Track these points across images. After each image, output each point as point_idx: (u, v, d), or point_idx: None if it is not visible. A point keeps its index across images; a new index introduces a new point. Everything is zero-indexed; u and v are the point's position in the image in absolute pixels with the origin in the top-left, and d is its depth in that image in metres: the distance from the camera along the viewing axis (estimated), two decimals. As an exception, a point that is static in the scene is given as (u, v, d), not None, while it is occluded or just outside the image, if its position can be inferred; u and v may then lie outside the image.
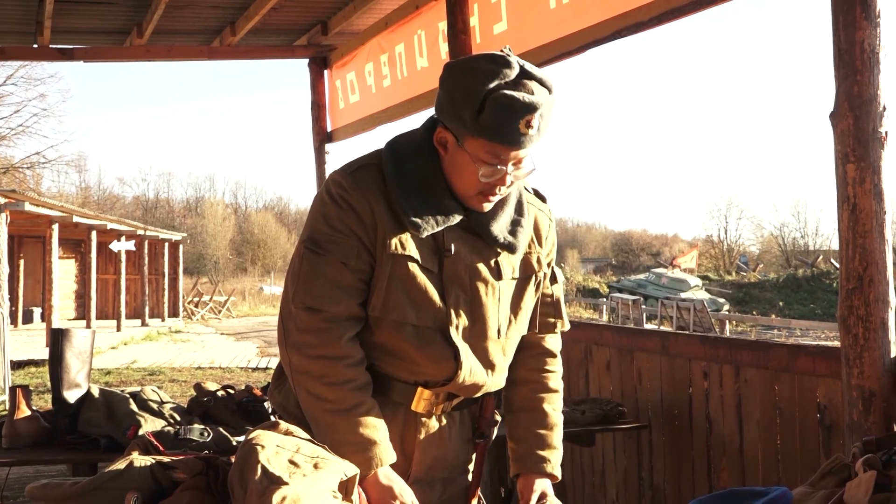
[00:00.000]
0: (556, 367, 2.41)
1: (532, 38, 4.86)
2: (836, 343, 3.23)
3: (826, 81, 3.10)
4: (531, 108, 2.00)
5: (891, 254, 3.04)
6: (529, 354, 2.37)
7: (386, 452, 2.06)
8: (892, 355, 3.01)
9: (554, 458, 2.32)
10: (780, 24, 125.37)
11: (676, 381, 4.54)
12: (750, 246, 64.32)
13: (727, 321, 24.27)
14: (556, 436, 2.35)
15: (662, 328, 21.41)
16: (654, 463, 4.76)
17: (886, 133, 2.98)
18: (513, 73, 2.02)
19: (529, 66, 2.06)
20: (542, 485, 2.30)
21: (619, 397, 4.98)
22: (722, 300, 37.00)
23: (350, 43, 7.47)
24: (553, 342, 2.41)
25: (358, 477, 1.87)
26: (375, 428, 2.06)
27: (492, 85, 2.00)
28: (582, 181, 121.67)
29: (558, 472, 2.33)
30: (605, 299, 30.54)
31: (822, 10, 3.07)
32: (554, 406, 2.37)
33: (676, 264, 43.56)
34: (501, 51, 2.08)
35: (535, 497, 2.26)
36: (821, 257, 47.18)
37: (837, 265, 3.44)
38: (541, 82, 2.06)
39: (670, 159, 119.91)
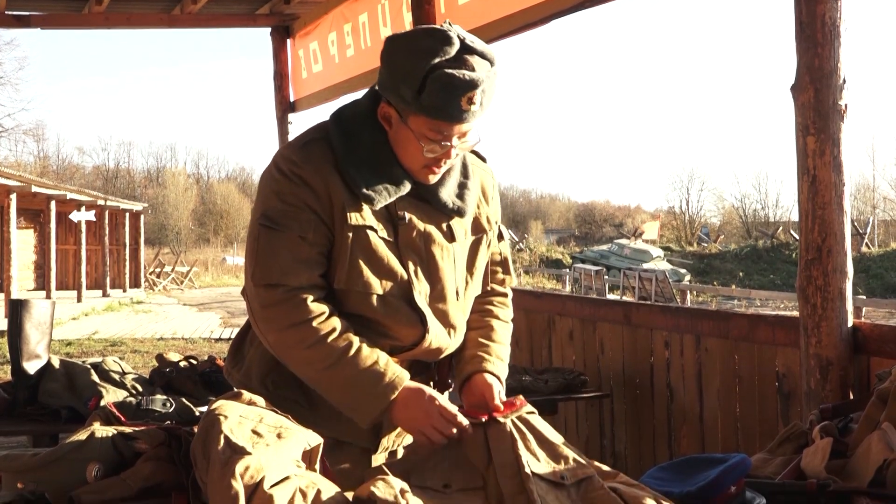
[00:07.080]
0: (506, 303, 2.40)
1: (497, 8, 4.83)
2: (795, 313, 3.27)
3: (788, 54, 3.11)
4: (472, 86, 1.99)
5: (849, 225, 3.08)
6: (480, 296, 2.35)
7: (398, 373, 2.05)
8: (849, 325, 3.06)
9: (500, 370, 2.24)
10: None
11: (638, 350, 4.59)
12: (711, 217, 64.89)
13: (688, 291, 24.52)
14: (504, 352, 2.29)
15: (625, 298, 21.56)
16: (616, 431, 4.82)
17: (846, 106, 3.01)
18: (453, 50, 1.99)
19: (470, 40, 2.03)
20: (497, 384, 2.19)
21: (581, 367, 5.02)
22: (683, 271, 37.30)
23: (313, 12, 7.38)
24: (503, 291, 2.41)
25: (321, 446, 1.87)
26: (375, 360, 2.06)
27: (432, 63, 1.97)
28: (546, 152, 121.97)
29: (504, 379, 2.24)
30: (568, 270, 30.69)
31: (785, -18, 3.08)
32: (502, 331, 2.33)
33: (641, 230, 43.77)
34: (442, 25, 2.06)
35: (496, 392, 2.14)
36: (781, 228, 47.69)
37: (797, 236, 3.48)
38: (482, 55, 2.03)
39: (633, 131, 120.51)
